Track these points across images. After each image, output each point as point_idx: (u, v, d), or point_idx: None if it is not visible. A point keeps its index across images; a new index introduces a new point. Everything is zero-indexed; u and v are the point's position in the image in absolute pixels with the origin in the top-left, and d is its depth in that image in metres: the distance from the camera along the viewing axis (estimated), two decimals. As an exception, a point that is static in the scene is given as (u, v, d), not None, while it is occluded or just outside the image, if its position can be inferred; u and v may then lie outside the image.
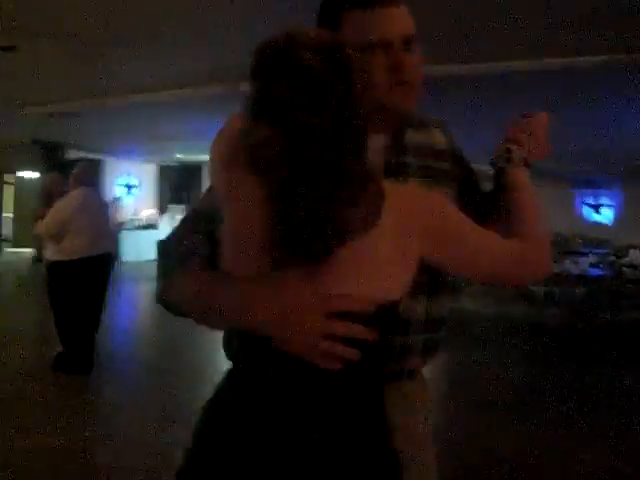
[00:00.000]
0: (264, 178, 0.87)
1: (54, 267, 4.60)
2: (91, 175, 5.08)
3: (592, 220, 13.42)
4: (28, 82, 6.44)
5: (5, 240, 13.59)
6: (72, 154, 11.84)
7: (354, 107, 0.88)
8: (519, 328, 7.46)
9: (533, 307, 8.60)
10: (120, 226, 10.23)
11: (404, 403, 1.18)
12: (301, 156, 0.86)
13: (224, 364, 1.07)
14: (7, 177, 13.79)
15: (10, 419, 3.64)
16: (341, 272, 0.91)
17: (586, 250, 11.12)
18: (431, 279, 1.17)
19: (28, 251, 12.07)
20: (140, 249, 12.24)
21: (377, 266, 0.93)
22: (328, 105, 0.85)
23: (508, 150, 1.15)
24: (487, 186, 1.27)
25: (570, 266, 9.13)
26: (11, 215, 13.60)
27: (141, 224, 13.84)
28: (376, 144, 1.14)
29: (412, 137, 1.22)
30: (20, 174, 13.14)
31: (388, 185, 0.96)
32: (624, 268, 9.80)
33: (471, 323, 7.31)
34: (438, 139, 1.26)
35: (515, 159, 1.14)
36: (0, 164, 12.61)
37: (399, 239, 0.94)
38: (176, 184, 15.67)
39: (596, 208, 13.53)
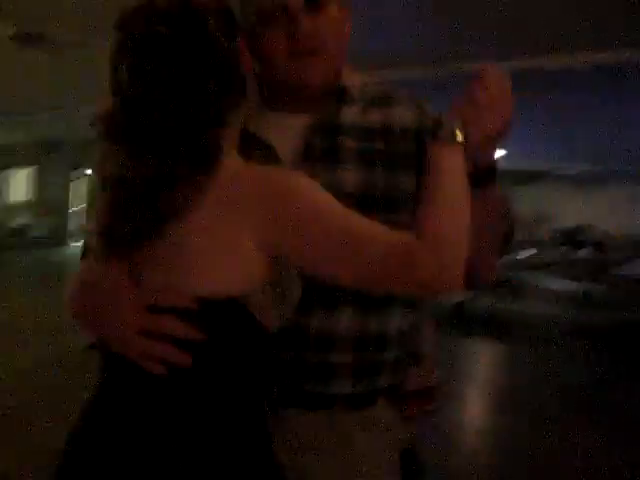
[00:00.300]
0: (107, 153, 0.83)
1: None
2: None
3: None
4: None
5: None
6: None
7: (196, 78, 0.82)
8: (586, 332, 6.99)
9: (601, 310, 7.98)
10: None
11: (327, 436, 1.01)
12: (130, 132, 0.82)
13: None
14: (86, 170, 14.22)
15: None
16: (162, 263, 0.83)
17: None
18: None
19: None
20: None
21: (199, 256, 0.82)
22: (159, 76, 0.81)
23: (436, 121, 0.92)
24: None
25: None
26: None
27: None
28: (294, 124, 1.00)
29: (352, 116, 1.05)
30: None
31: (240, 166, 0.85)
32: None
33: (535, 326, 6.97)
34: (398, 117, 1.06)
35: (443, 134, 0.90)
36: (75, 159, 13.11)
37: (227, 227, 0.82)
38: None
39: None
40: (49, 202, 13.62)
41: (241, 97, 0.90)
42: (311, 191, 0.84)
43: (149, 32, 0.82)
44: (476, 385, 5.02)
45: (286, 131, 1.02)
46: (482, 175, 0.97)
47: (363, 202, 0.95)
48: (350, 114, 1.05)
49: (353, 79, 1.08)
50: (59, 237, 13.16)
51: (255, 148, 0.98)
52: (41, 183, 13.96)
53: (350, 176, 1.00)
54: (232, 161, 0.87)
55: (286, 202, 0.82)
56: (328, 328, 1.00)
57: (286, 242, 0.83)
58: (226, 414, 0.85)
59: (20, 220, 13.61)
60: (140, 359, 0.83)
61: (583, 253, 9.29)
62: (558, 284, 7.77)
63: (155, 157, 0.81)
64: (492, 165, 1.00)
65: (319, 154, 1.01)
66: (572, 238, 10.30)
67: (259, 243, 0.82)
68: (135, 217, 0.82)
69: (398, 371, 1.09)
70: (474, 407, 4.50)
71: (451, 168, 0.89)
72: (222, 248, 0.82)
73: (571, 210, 12.06)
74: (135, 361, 0.83)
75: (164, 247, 0.83)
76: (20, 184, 14.56)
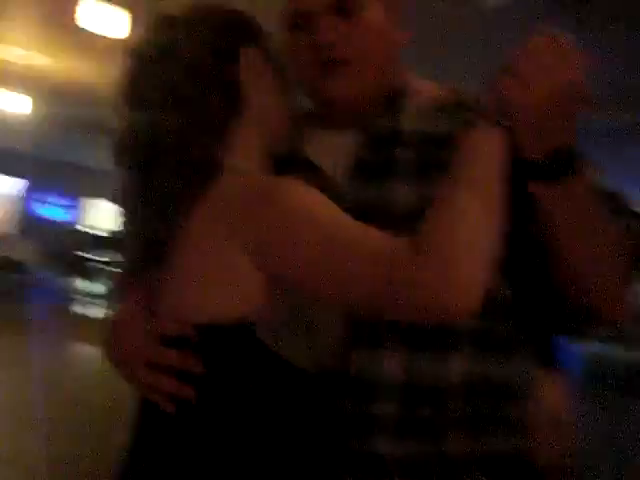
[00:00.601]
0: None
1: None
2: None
3: None
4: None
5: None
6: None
7: (186, 91, 0.80)
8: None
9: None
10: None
11: None
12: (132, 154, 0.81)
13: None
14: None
15: None
16: (167, 289, 0.80)
17: None
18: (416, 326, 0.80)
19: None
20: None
21: (194, 279, 0.77)
22: (150, 91, 0.81)
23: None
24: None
25: None
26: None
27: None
28: (343, 141, 0.90)
29: (411, 125, 0.90)
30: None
31: (231, 180, 0.79)
32: None
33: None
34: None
35: (474, 116, 0.73)
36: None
37: (218, 243, 0.75)
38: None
39: None
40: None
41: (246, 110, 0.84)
42: (299, 197, 0.74)
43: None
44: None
45: (335, 149, 0.91)
46: (558, 164, 0.74)
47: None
48: (409, 124, 0.90)
49: (420, 88, 0.95)
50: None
51: (303, 169, 0.88)
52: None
53: (405, 192, 0.86)
54: (236, 177, 0.79)
55: (269, 208, 0.73)
56: (372, 372, 0.83)
57: (271, 252, 0.73)
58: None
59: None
60: (148, 394, 0.78)
61: None
62: None
63: (150, 177, 0.79)
64: (570, 150, 0.74)
65: (370, 170, 0.88)
66: None
67: (251, 256, 0.73)
68: (139, 243, 0.81)
69: (490, 435, 0.84)
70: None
71: (481, 158, 0.71)
72: (216, 267, 0.75)
73: None
74: (146, 397, 0.79)
75: (168, 272, 0.79)
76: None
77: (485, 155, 0.72)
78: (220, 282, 0.75)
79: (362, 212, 0.79)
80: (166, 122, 0.78)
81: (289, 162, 0.90)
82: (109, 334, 0.87)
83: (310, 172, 0.90)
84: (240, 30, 0.86)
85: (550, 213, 0.77)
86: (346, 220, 0.72)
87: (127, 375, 0.82)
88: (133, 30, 4.33)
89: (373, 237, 0.70)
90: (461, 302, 0.65)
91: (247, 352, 0.76)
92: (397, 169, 0.88)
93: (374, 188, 0.88)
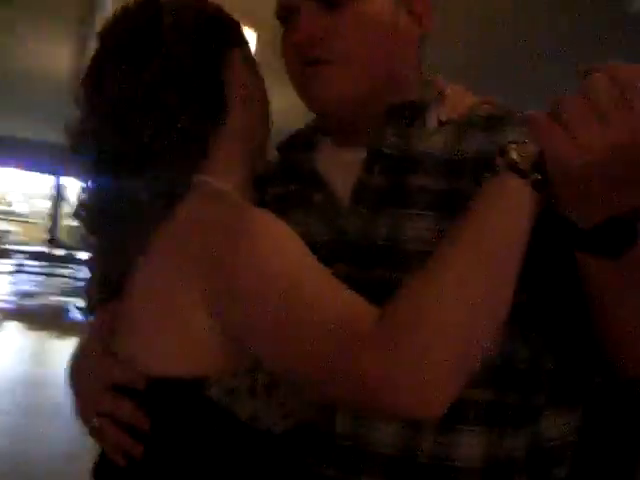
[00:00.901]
0: None
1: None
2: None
3: None
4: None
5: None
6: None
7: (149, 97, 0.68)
8: None
9: None
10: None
11: None
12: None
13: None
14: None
15: None
16: (121, 329, 0.72)
17: None
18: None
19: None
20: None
21: (145, 324, 0.68)
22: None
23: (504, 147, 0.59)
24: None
25: None
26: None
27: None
28: (354, 157, 0.77)
29: (428, 143, 0.74)
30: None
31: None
32: None
33: None
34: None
35: (501, 159, 0.57)
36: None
37: (171, 285, 0.65)
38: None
39: None
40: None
41: (227, 123, 0.74)
42: (264, 241, 0.61)
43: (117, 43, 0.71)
44: None
45: (347, 167, 0.77)
46: (613, 237, 0.56)
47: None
48: (427, 142, 0.75)
49: (452, 98, 0.78)
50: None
51: (308, 183, 0.79)
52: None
53: (415, 226, 0.71)
54: (202, 203, 0.67)
55: (227, 251, 0.60)
56: (363, 438, 0.69)
57: (222, 303, 0.61)
58: None
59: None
60: (100, 442, 0.72)
61: None
62: None
63: (108, 190, 0.71)
64: (632, 218, 0.55)
65: (374, 197, 0.74)
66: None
67: (204, 301, 0.62)
68: (97, 273, 0.75)
69: None
70: None
71: (496, 219, 0.55)
72: (166, 311, 0.65)
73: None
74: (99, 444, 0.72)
75: (124, 309, 0.71)
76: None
77: (504, 216, 0.55)
78: (170, 329, 0.66)
79: (359, 244, 0.71)
80: (133, 125, 0.68)
81: (294, 173, 0.82)
82: (73, 363, 0.79)
83: (314, 187, 0.79)
84: (226, 30, 0.76)
85: (597, 285, 0.60)
86: (313, 270, 0.59)
87: (81, 417, 0.75)
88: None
89: (339, 297, 0.56)
90: (420, 396, 0.51)
91: (196, 411, 0.66)
92: (406, 198, 0.72)
93: (376, 218, 0.73)
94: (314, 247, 0.63)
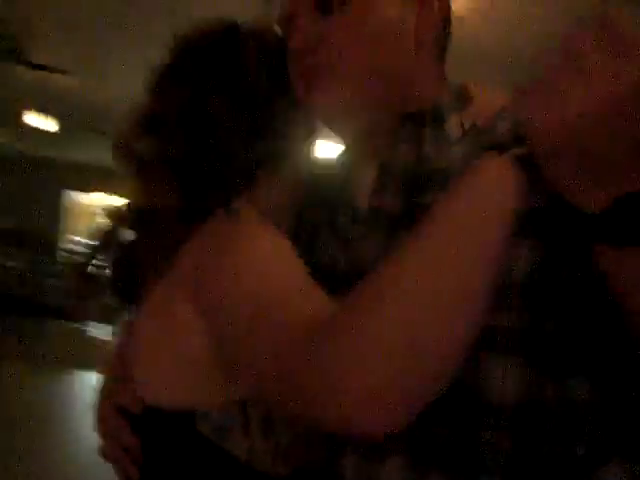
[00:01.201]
0: None
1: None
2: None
3: None
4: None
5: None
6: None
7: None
8: None
9: None
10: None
11: None
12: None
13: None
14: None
15: None
16: (130, 355, 0.71)
17: None
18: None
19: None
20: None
21: (145, 352, 0.68)
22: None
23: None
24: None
25: None
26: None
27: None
28: (360, 177, 0.74)
29: (444, 161, 0.66)
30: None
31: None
32: None
33: None
34: None
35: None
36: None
37: (174, 308, 0.63)
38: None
39: None
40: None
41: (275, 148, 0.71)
42: (240, 255, 0.58)
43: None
44: None
45: (358, 187, 0.74)
46: (626, 218, 0.47)
47: None
48: (445, 154, 0.66)
49: (482, 105, 0.69)
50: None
51: (335, 213, 0.76)
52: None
53: None
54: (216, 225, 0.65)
55: (210, 268, 0.60)
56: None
57: (214, 326, 0.59)
58: None
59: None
60: (110, 462, 0.73)
61: None
62: None
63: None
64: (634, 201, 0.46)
65: (387, 220, 0.68)
66: None
67: (197, 324, 0.60)
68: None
69: None
70: None
71: (472, 204, 0.47)
72: (162, 331, 0.65)
73: None
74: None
75: (133, 337, 0.71)
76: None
77: (481, 198, 0.47)
78: (163, 351, 0.64)
79: (362, 267, 0.61)
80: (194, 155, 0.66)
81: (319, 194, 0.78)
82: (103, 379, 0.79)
83: (334, 210, 0.75)
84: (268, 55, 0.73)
85: (626, 283, 0.51)
86: (294, 277, 0.56)
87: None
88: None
89: (312, 301, 0.52)
90: (360, 408, 0.44)
91: (187, 446, 0.63)
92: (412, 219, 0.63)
93: (389, 244, 0.67)
94: (332, 273, 0.60)
